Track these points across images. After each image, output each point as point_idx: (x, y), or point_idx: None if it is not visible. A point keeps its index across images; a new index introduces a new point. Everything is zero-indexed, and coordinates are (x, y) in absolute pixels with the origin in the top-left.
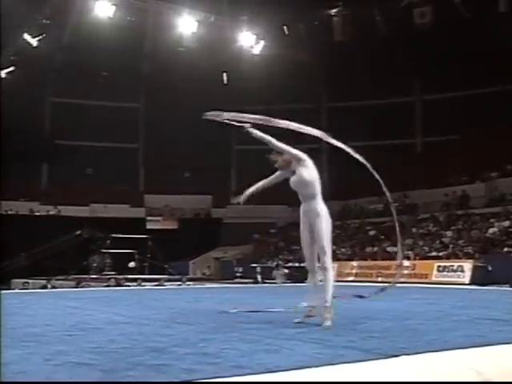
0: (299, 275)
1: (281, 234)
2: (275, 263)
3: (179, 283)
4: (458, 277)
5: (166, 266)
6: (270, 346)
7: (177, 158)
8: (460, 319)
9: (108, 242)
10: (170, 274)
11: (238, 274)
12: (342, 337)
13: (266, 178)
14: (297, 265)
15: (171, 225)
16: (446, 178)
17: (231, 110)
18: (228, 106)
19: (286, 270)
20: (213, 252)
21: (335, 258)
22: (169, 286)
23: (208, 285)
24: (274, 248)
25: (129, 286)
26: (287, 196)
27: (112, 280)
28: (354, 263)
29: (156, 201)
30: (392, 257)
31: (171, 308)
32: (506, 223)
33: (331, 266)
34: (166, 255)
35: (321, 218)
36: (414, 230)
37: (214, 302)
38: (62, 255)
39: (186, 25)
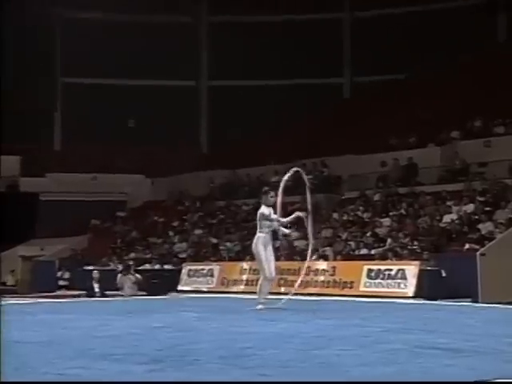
0: (159, 283)
1: (133, 218)
2: (123, 265)
3: None
4: (398, 286)
5: None
6: None
7: None
8: (394, 348)
9: None
10: None
11: (62, 283)
12: (217, 375)
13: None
14: (157, 267)
15: None
16: (385, 137)
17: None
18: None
19: (140, 276)
20: (21, 248)
21: (217, 256)
22: None
23: (10, 301)
24: (121, 241)
25: None
26: (146, 162)
27: None
28: (245, 265)
29: None
30: (302, 255)
31: None
32: (470, 207)
33: (262, 276)
34: None
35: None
36: (334, 215)
37: (13, 328)
38: None
39: None
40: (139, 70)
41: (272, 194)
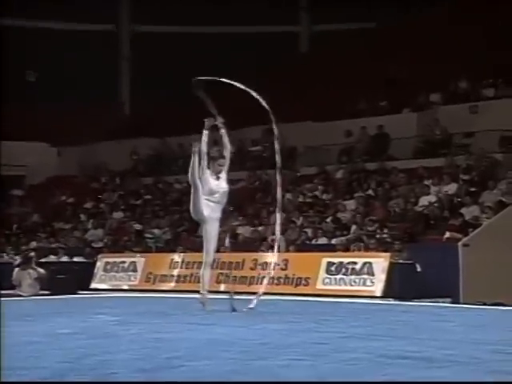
0: (68, 279)
1: (34, 198)
2: (21, 257)
3: None
4: (364, 283)
5: None
6: None
7: None
8: (354, 357)
9: None
10: None
11: None
12: None
13: None
14: (64, 259)
15: None
16: (350, 101)
17: None
18: None
19: (43, 270)
20: None
21: (141, 246)
22: None
23: None
24: (18, 227)
25: None
26: (50, 126)
27: None
28: (177, 257)
29: None
30: (251, 246)
31: None
32: (452, 187)
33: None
34: None
35: None
36: (287, 196)
37: None
38: None
39: None
40: (41, 8)
41: (221, 161)
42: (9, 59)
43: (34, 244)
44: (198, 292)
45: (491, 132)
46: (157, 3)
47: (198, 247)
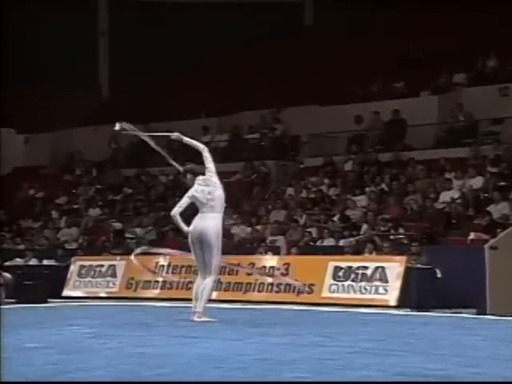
0: (37, 285)
1: None
2: None
3: None
4: (376, 291)
5: None
6: None
7: None
8: (367, 375)
9: None
10: None
11: None
12: None
13: None
14: (33, 263)
15: None
16: (361, 82)
17: None
18: None
19: (9, 275)
20: None
21: (122, 248)
22: None
23: None
24: None
25: None
26: (18, 110)
27: None
28: (162, 260)
29: None
30: (248, 248)
31: None
32: (478, 181)
33: (213, 276)
34: None
35: None
36: (289, 191)
37: None
38: None
39: None
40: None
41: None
42: None
43: None
44: (188, 300)
45: None
46: None
47: (186, 249)
